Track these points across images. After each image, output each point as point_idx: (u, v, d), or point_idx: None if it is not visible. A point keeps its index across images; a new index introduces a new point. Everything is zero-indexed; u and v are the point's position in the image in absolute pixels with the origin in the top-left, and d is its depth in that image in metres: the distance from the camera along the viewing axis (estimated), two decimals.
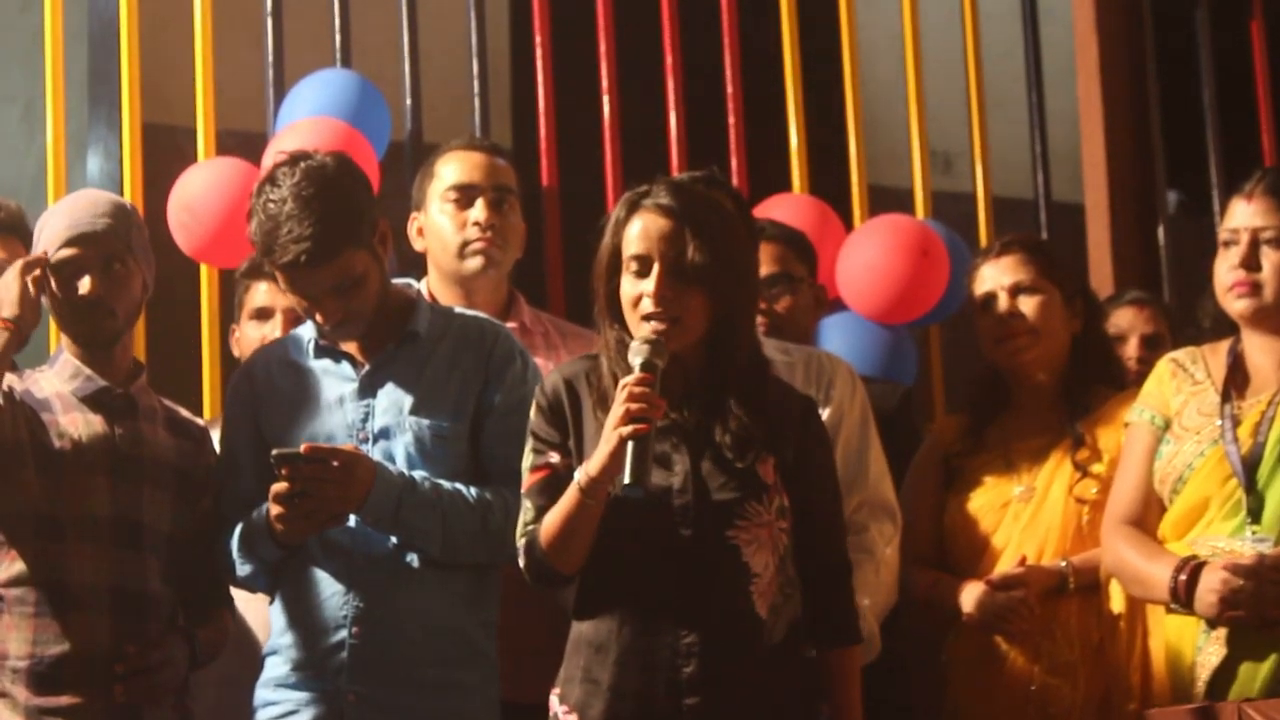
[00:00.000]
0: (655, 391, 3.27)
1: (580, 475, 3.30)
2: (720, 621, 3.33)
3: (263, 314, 4.29)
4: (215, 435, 3.89)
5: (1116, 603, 3.87)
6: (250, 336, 4.30)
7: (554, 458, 3.42)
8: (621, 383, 3.30)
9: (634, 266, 3.38)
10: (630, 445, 3.23)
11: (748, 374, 3.44)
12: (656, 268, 3.36)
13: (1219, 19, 6.04)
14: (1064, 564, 3.96)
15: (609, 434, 3.26)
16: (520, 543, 3.41)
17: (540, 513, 3.37)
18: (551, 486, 3.38)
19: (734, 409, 3.39)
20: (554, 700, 3.40)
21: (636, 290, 3.37)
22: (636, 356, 3.31)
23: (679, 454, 3.38)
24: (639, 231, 3.39)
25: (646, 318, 3.36)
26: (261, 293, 4.29)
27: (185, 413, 3.87)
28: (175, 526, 3.70)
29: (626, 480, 3.23)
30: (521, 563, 3.42)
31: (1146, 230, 5.79)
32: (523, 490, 3.44)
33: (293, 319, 4.15)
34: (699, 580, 3.33)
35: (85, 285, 3.64)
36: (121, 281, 3.68)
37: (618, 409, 3.26)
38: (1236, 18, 6.11)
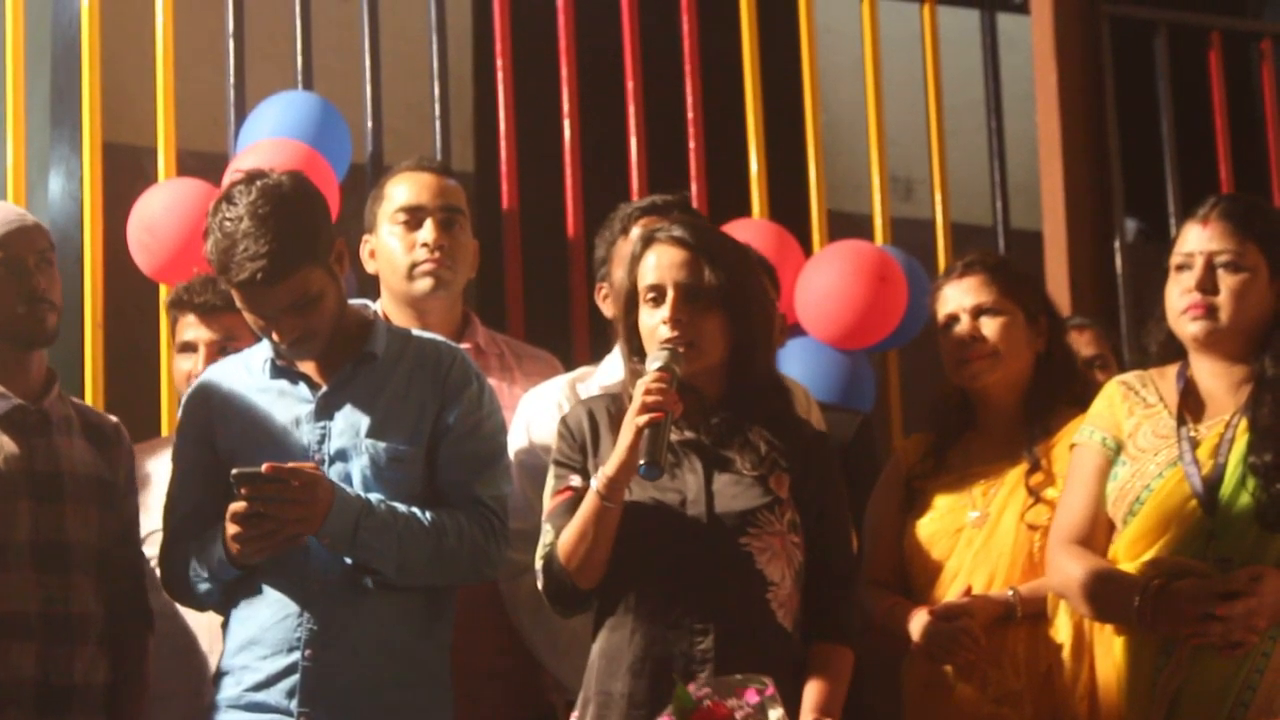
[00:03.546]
0: (671, 389, 3.32)
1: (598, 479, 3.35)
2: (736, 626, 3.36)
3: (187, 348, 4.23)
4: (166, 452, 3.87)
5: (1063, 631, 3.86)
6: (179, 369, 4.25)
7: (575, 480, 3.46)
8: (638, 383, 3.36)
9: (649, 296, 3.47)
10: (647, 431, 3.29)
11: (767, 398, 3.50)
12: (671, 294, 3.44)
13: (1177, 48, 6.07)
14: (1010, 593, 3.93)
15: (626, 427, 3.33)
16: (539, 564, 3.43)
17: (560, 534, 3.40)
18: (573, 508, 3.41)
19: (751, 428, 3.45)
20: None
21: (653, 319, 3.44)
22: (654, 362, 3.38)
23: (693, 470, 3.44)
24: (653, 263, 3.48)
25: (664, 343, 3.41)
26: (186, 325, 4.24)
27: (97, 413, 3.81)
28: (103, 539, 3.66)
29: (642, 460, 3.28)
30: (540, 583, 3.45)
31: (1104, 258, 5.80)
32: (544, 515, 3.48)
33: (215, 352, 4.14)
34: (712, 585, 3.37)
35: (35, 278, 3.58)
36: (55, 280, 3.65)
37: (634, 404, 3.33)
38: (1195, 47, 6.14)
